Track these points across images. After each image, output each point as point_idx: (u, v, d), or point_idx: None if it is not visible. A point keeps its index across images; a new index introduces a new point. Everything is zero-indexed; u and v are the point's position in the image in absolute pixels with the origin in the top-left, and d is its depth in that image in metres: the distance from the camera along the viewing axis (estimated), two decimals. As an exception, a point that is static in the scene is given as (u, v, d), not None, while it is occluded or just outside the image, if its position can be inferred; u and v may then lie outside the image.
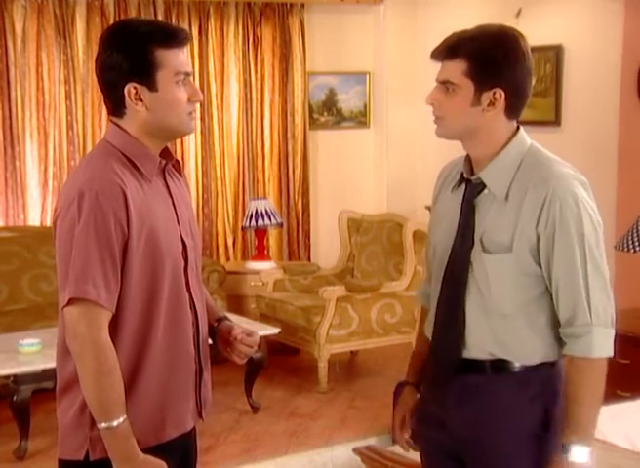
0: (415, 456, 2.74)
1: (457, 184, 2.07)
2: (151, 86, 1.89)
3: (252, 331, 2.10)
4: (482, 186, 1.99)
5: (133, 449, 1.85)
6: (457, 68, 1.91)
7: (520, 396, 2.01)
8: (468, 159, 2.04)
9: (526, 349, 2.00)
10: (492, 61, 1.89)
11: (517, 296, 1.97)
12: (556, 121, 5.82)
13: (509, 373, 2.01)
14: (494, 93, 1.91)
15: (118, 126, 1.94)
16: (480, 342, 2.01)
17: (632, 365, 4.22)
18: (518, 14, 5.95)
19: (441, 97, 1.95)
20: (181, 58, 1.92)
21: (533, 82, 1.97)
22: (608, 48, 5.43)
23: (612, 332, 1.99)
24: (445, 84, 1.94)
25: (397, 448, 3.27)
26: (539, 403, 2.01)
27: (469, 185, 2.02)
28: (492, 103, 1.92)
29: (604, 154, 5.52)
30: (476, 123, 1.94)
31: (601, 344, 1.96)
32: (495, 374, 2.01)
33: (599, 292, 1.96)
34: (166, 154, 2.01)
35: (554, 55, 5.76)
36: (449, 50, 1.92)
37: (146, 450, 1.89)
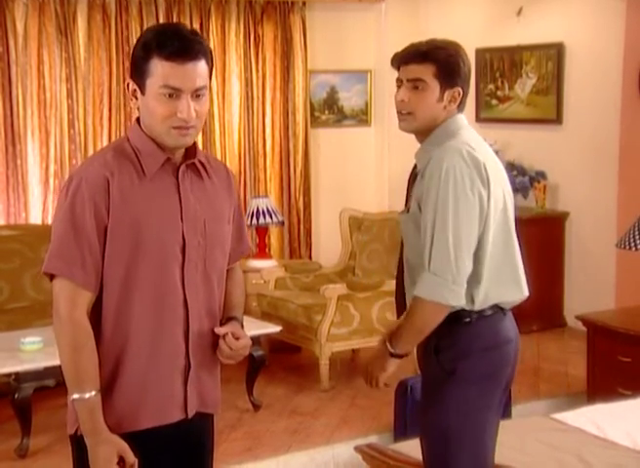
0: (416, 454, 2.74)
1: None
2: (142, 89, 1.95)
3: (241, 335, 2.08)
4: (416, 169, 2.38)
5: (99, 424, 1.93)
6: (426, 70, 2.29)
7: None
8: None
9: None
10: (454, 66, 2.31)
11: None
12: (557, 119, 5.82)
13: None
14: (454, 91, 2.31)
15: (138, 119, 2.02)
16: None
17: (633, 363, 4.22)
18: (519, 12, 5.95)
19: (411, 94, 2.31)
20: (178, 71, 1.90)
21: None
22: (609, 46, 5.43)
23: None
24: (415, 82, 2.30)
25: (399, 446, 3.28)
26: (436, 353, 2.34)
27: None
28: (452, 100, 2.32)
29: (605, 152, 5.52)
30: (439, 116, 2.32)
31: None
32: None
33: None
34: (190, 152, 2.04)
35: (555, 53, 5.76)
36: (419, 55, 2.30)
37: (122, 436, 1.95)
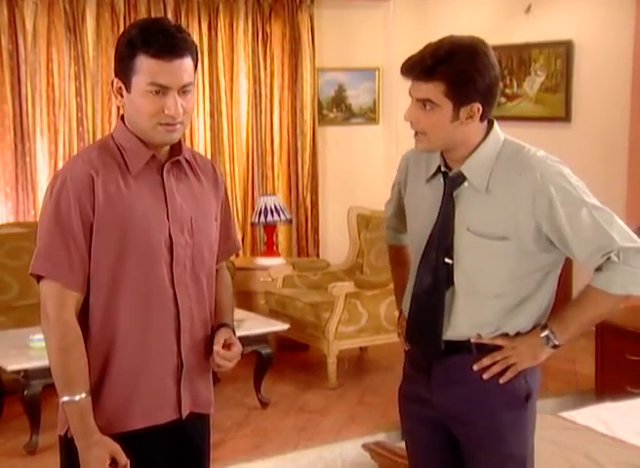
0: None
1: (431, 176, 2.15)
2: (127, 87, 1.94)
3: (234, 342, 2.07)
4: (461, 179, 2.08)
5: (90, 427, 1.92)
6: (435, 89, 2.00)
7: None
8: (442, 153, 2.14)
9: (515, 324, 2.10)
10: (467, 81, 1.98)
11: (511, 277, 2.07)
12: (566, 117, 5.80)
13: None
14: (471, 107, 2.01)
15: (122, 117, 2.01)
16: (467, 323, 2.09)
17: (642, 361, 4.21)
18: (528, 9, 5.93)
19: (420, 114, 2.05)
20: (165, 69, 1.89)
21: (500, 85, 2.09)
22: (619, 43, 5.41)
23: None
24: (423, 102, 2.03)
25: (406, 444, 3.27)
26: (521, 375, 2.10)
27: (447, 178, 2.11)
28: (470, 116, 2.02)
29: (614, 150, 5.50)
30: (456, 135, 2.05)
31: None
32: (480, 353, 2.09)
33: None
34: (175, 150, 2.03)
35: (564, 50, 5.74)
36: (424, 72, 2.00)
37: (113, 436, 1.94)
